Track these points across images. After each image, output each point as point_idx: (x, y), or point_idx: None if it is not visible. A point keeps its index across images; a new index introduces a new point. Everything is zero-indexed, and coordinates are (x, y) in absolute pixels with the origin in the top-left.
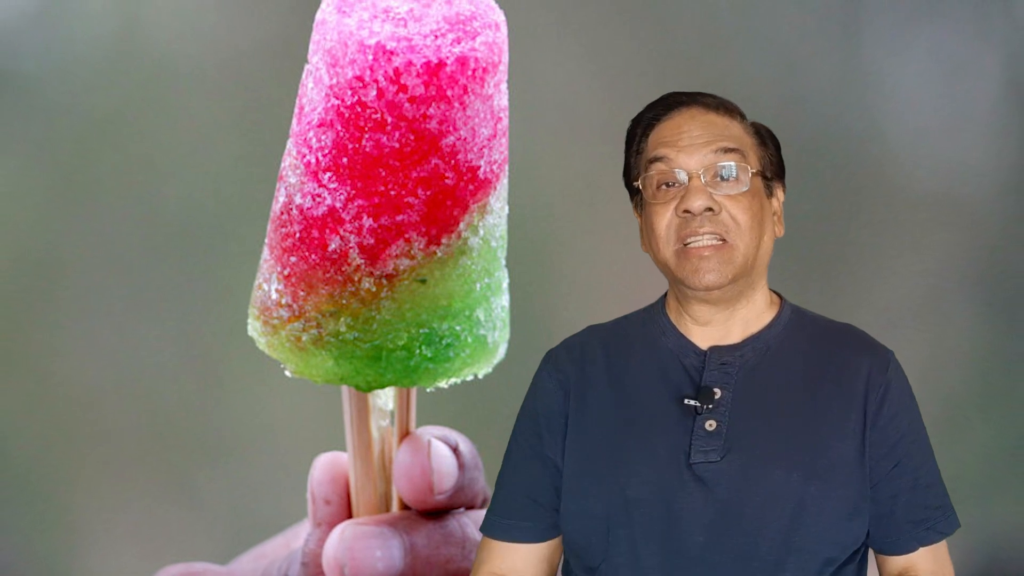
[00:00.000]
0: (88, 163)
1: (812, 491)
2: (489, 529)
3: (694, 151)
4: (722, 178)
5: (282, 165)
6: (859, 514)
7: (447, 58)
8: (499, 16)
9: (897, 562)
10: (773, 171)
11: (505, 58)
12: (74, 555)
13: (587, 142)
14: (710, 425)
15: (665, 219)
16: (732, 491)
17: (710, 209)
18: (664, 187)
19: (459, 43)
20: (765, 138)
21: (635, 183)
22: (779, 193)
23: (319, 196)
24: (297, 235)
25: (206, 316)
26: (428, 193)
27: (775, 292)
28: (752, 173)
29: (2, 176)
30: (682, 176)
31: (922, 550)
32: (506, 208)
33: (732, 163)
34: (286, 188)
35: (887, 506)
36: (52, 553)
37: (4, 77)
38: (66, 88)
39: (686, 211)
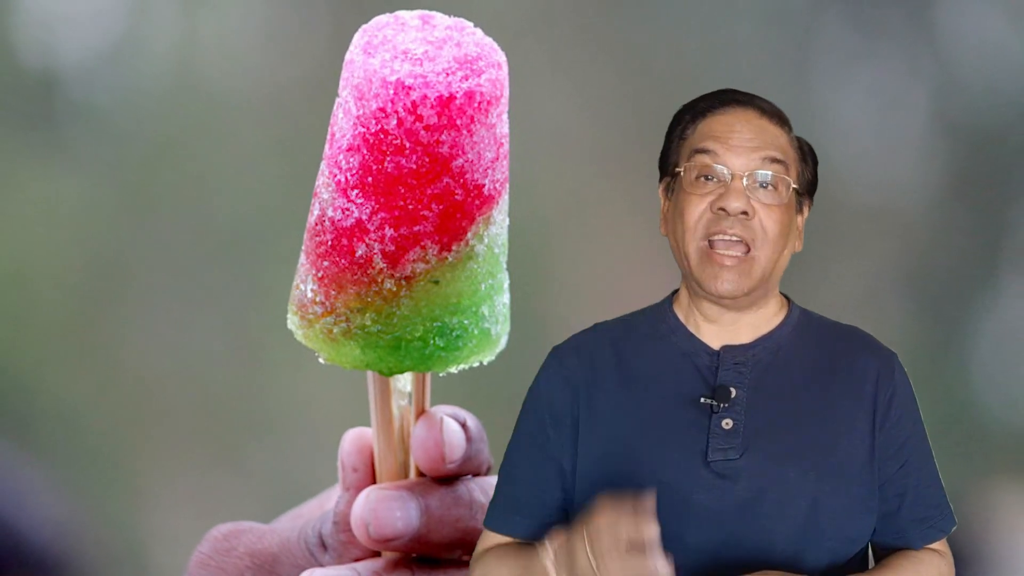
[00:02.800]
0: (151, 181)
1: (826, 489)
2: (493, 523)
3: (742, 153)
4: (762, 185)
5: (316, 183)
6: (870, 511)
7: (457, 92)
8: (501, 57)
9: None
10: (806, 188)
11: (506, 92)
12: (139, 515)
13: (576, 163)
14: (727, 424)
15: (698, 211)
16: (751, 488)
17: (745, 212)
18: (703, 179)
19: (467, 80)
20: (806, 154)
21: (675, 168)
22: (805, 210)
23: (348, 210)
24: (329, 243)
25: (251, 312)
26: (441, 207)
27: (783, 295)
28: (792, 187)
29: (78, 192)
30: (725, 173)
31: (925, 548)
32: (507, 220)
33: (775, 173)
34: (319, 203)
35: (894, 504)
36: (120, 513)
37: (80, 108)
38: (133, 117)
39: (722, 208)
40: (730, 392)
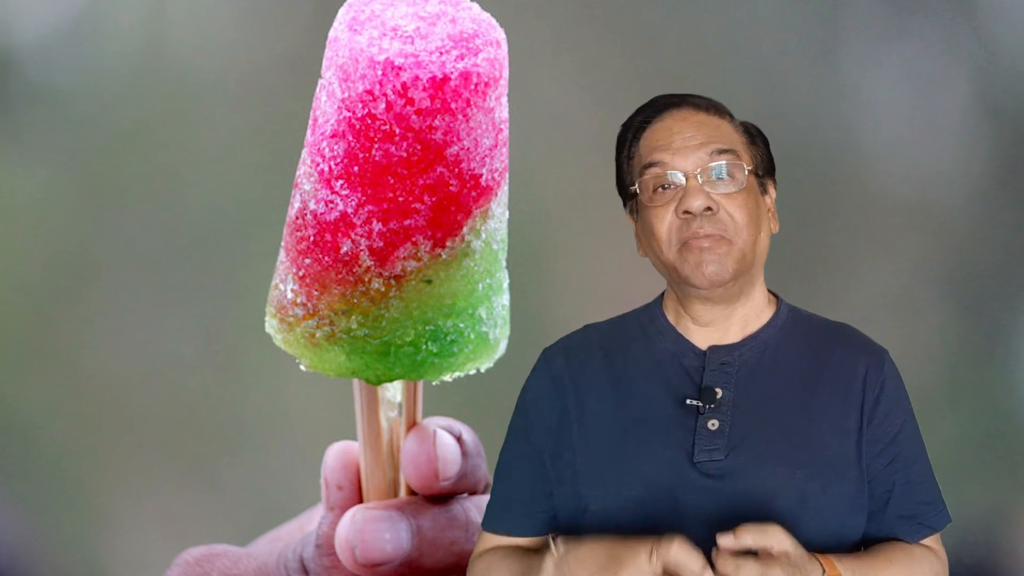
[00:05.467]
0: (116, 171)
1: (813, 488)
2: (488, 524)
3: (688, 152)
4: (718, 177)
5: (297, 173)
6: (858, 510)
7: (451, 73)
8: (500, 34)
9: None
10: (764, 168)
11: (505, 73)
12: (101, 537)
13: (580, 151)
14: (713, 424)
15: (665, 221)
16: (736, 489)
17: (709, 209)
18: (661, 190)
19: (463, 59)
20: (755, 136)
21: (631, 188)
22: (771, 190)
23: (332, 202)
24: (311, 239)
25: (226, 314)
26: (434, 199)
27: (771, 292)
28: (747, 171)
29: (36, 183)
30: (678, 178)
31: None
32: (506, 213)
33: (727, 162)
34: (301, 195)
35: (881, 501)
36: (81, 535)
37: (38, 91)
38: (96, 101)
39: (686, 212)
40: (715, 393)
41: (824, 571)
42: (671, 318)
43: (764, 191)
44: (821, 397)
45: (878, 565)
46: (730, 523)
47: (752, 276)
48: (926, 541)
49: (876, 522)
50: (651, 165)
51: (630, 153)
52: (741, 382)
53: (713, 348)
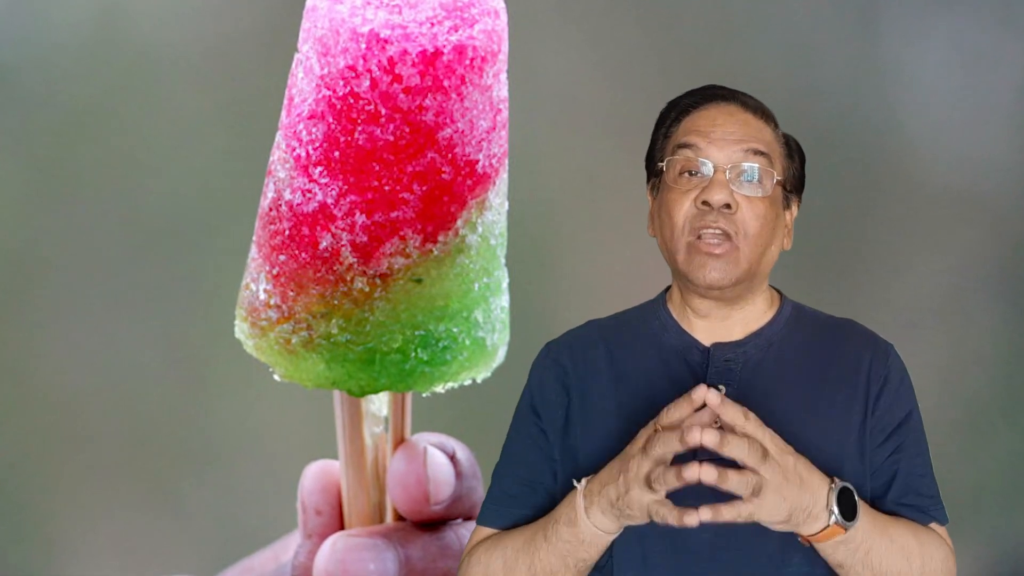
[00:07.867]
0: (67, 156)
1: None
2: (487, 519)
3: (724, 146)
4: (746, 178)
5: (271, 159)
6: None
7: (444, 47)
8: (498, 3)
9: None
10: (794, 184)
11: (504, 47)
12: (52, 567)
13: (589, 135)
14: (716, 422)
15: (683, 208)
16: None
17: (728, 206)
18: (687, 175)
19: (456, 31)
20: (793, 150)
21: (659, 164)
22: (794, 208)
23: (309, 192)
24: (286, 232)
25: (191, 317)
26: (424, 188)
27: (775, 289)
28: (776, 180)
29: None
30: (707, 167)
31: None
32: (506, 204)
33: (759, 166)
34: (275, 183)
35: (881, 492)
36: (29, 564)
37: None
38: (44, 78)
39: (705, 203)
40: (720, 391)
41: (833, 479)
42: (675, 312)
43: (787, 206)
44: (826, 393)
45: (883, 517)
46: (732, 523)
47: (753, 285)
48: (937, 529)
49: (877, 506)
50: (685, 146)
51: (668, 131)
52: (745, 379)
53: (717, 345)
